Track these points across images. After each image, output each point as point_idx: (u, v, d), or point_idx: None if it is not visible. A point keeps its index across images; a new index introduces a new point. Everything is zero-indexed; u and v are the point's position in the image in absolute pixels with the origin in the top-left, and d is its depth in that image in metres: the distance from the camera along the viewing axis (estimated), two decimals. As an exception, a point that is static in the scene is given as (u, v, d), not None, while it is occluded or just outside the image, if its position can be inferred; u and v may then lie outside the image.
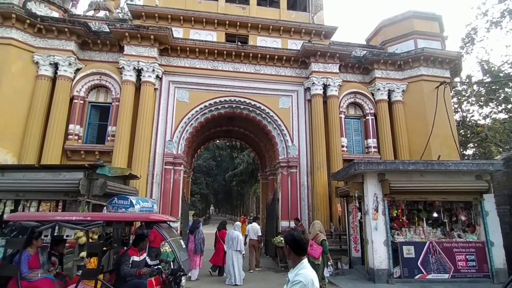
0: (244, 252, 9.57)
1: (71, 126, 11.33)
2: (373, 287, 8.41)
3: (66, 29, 11.47)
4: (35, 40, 11.47)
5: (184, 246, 6.16)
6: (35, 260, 5.29)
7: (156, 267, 5.73)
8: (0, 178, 7.84)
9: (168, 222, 6.04)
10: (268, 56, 12.95)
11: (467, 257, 8.86)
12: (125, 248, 5.95)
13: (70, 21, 11.63)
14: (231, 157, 39.09)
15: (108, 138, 11.51)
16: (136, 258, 5.56)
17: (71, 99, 11.60)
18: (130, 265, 5.36)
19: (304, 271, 2.52)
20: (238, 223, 10.56)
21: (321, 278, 6.89)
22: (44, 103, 11.14)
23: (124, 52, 11.85)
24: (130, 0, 23.46)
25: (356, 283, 8.81)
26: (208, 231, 24.60)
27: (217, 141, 21.29)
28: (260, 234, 11.34)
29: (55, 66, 11.50)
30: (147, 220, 5.52)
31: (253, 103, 12.85)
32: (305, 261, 2.64)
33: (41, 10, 11.89)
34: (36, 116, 10.91)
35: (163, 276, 5.41)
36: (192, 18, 13.06)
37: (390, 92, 13.60)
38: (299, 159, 12.75)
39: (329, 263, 7.43)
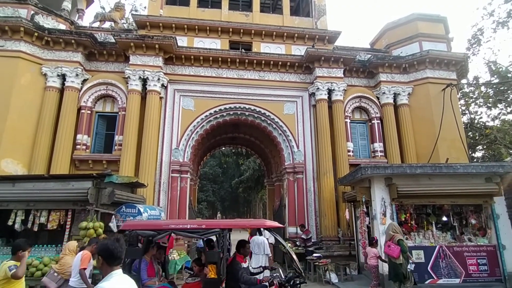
0: (271, 255, 9.66)
1: (79, 136, 11.48)
2: (382, 292, 8.28)
3: (73, 41, 11.69)
4: (43, 52, 11.70)
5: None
6: (151, 268, 5.42)
7: (271, 274, 5.60)
8: (11, 189, 8.02)
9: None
10: (272, 62, 12.99)
11: (478, 261, 8.71)
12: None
13: (77, 32, 11.87)
14: (237, 164, 39.15)
15: (115, 147, 11.64)
16: (244, 265, 5.50)
17: (79, 109, 11.78)
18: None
19: (105, 283, 2.27)
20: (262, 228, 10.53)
21: (405, 277, 6.89)
22: (52, 114, 11.33)
23: (130, 62, 12.01)
24: (134, 11, 23.92)
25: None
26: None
27: (223, 148, 21.33)
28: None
29: (63, 77, 11.70)
30: (263, 226, 5.41)
31: (258, 109, 12.87)
32: (117, 272, 2.40)
33: (48, 22, 12.13)
34: (44, 127, 11.09)
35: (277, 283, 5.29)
36: (196, 27, 13.21)
37: (395, 96, 13.51)
38: (305, 164, 12.71)
39: (410, 261, 7.40)
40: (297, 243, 11.42)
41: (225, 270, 5.18)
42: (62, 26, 12.40)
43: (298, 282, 5.03)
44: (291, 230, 12.15)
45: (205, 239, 6.28)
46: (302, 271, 5.17)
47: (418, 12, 14.49)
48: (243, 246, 5.59)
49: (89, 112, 11.91)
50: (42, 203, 7.74)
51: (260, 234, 9.47)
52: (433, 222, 9.31)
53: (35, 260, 7.19)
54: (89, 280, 5.22)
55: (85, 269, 5.11)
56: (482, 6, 31.17)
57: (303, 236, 11.26)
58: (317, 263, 9.99)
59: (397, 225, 7.72)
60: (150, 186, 10.91)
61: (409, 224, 9.28)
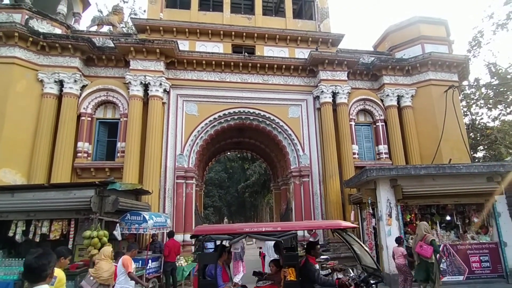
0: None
1: (79, 144, 11.16)
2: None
3: (70, 46, 11.36)
4: (38, 58, 11.37)
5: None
6: (225, 273, 5.43)
7: (347, 275, 5.49)
8: (10, 199, 7.78)
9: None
10: (275, 66, 12.89)
11: (481, 258, 9.05)
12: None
13: (74, 37, 11.53)
14: (243, 169, 39.01)
15: (118, 154, 11.35)
16: (317, 267, 5.40)
17: (78, 116, 11.46)
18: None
19: None
20: None
21: (436, 276, 6.99)
22: (51, 121, 10.99)
23: (130, 67, 11.76)
24: (134, 14, 23.67)
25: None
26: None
27: (228, 153, 21.13)
28: None
29: (60, 83, 11.36)
30: (339, 227, 5.28)
31: (262, 113, 12.73)
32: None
33: (44, 27, 11.78)
34: (43, 135, 10.75)
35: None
36: (198, 30, 13.03)
37: (399, 98, 13.51)
38: (311, 168, 12.59)
39: (443, 260, 7.72)
40: (305, 245, 11.25)
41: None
42: (58, 31, 12.08)
43: (373, 282, 4.91)
44: (298, 233, 11.92)
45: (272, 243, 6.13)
46: (379, 267, 5.06)
47: (420, 15, 14.59)
48: (313, 247, 5.53)
49: (89, 119, 11.59)
50: (43, 213, 7.54)
51: None
52: (438, 222, 9.57)
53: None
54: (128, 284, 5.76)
55: (131, 272, 5.73)
56: (483, 9, 31.63)
57: (311, 239, 11.09)
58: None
59: (427, 225, 7.89)
60: (155, 193, 10.64)
61: (414, 224, 9.47)
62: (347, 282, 4.89)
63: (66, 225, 7.67)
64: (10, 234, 7.47)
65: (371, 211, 9.91)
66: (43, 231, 7.47)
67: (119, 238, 7.77)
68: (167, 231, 9.81)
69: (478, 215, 9.54)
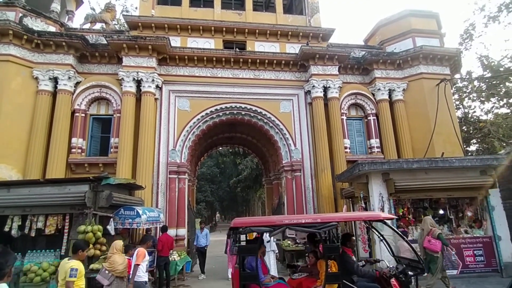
0: (277, 251, 10.41)
1: (73, 140, 11.32)
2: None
3: (64, 43, 11.49)
4: (33, 56, 11.49)
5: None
6: (263, 266, 5.50)
7: (388, 266, 5.40)
8: (6, 195, 7.89)
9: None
10: (266, 61, 12.94)
11: (475, 252, 8.98)
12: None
13: (67, 35, 11.64)
14: (235, 164, 39.10)
15: (111, 150, 11.49)
16: (354, 258, 5.41)
17: (73, 112, 11.59)
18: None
19: None
20: None
21: (442, 269, 7.08)
22: (45, 118, 11.13)
23: (123, 64, 11.85)
24: (126, 11, 23.69)
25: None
26: (217, 238, 24.59)
27: (220, 148, 21.28)
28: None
29: (55, 80, 11.49)
30: (378, 218, 5.23)
31: (254, 108, 12.82)
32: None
33: (38, 25, 11.88)
34: (38, 131, 10.90)
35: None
36: (189, 27, 13.09)
37: (390, 92, 13.54)
38: (303, 162, 12.70)
39: (453, 252, 7.64)
40: (297, 240, 11.45)
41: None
42: (52, 28, 12.19)
43: (411, 273, 4.84)
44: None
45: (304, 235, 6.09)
46: (421, 259, 5.03)
47: (411, 8, 14.64)
48: (349, 239, 5.55)
49: (83, 115, 11.73)
50: (38, 208, 7.63)
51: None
52: (430, 216, 9.35)
53: (33, 265, 7.09)
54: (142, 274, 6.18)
55: (138, 265, 6.04)
56: (474, 1, 31.34)
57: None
58: None
59: (432, 219, 7.89)
60: (148, 188, 10.79)
61: (407, 218, 9.48)
62: (388, 274, 4.87)
63: (61, 220, 7.75)
64: (6, 229, 7.54)
65: (363, 205, 9.90)
66: (38, 226, 7.55)
67: (113, 233, 7.90)
68: (160, 225, 9.99)
69: (471, 209, 9.52)
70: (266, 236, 9.86)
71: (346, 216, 5.96)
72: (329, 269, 4.75)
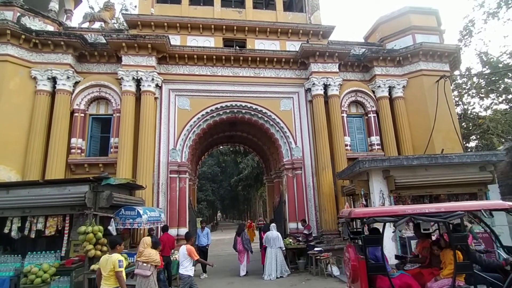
0: (284, 249, 10.59)
1: (73, 140, 11.22)
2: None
3: (62, 43, 11.38)
4: (31, 55, 11.37)
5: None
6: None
7: None
8: (5, 196, 7.84)
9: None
10: (267, 59, 12.89)
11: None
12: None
13: (66, 34, 11.53)
14: (236, 162, 39.12)
15: (111, 150, 11.41)
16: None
17: (72, 112, 11.49)
18: None
19: None
20: (273, 224, 11.14)
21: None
22: (44, 118, 11.03)
23: (122, 63, 11.76)
24: (125, 10, 23.55)
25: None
26: (219, 237, 24.51)
27: (221, 147, 21.19)
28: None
29: (53, 80, 11.38)
30: (503, 208, 5.07)
31: (254, 106, 12.77)
32: None
33: (36, 24, 11.75)
34: (37, 132, 10.80)
35: None
36: (189, 25, 13.01)
37: (390, 89, 13.53)
38: (304, 160, 12.68)
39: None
40: (299, 238, 11.44)
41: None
42: (50, 28, 12.07)
43: None
44: (291, 225, 12.19)
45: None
46: None
47: (410, 5, 14.52)
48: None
49: (82, 115, 11.63)
50: (38, 209, 7.60)
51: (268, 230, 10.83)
52: None
53: (34, 267, 7.02)
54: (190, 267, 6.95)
55: (198, 259, 7.16)
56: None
57: (305, 232, 11.29)
58: (318, 257, 10.26)
59: None
60: (148, 187, 10.74)
61: None
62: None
63: (61, 221, 7.73)
64: (6, 230, 7.50)
65: (364, 202, 9.86)
66: (38, 227, 7.52)
67: (114, 233, 7.85)
68: (161, 225, 9.95)
69: (471, 204, 9.60)
70: (273, 235, 10.44)
71: (469, 205, 5.89)
72: (458, 259, 4.67)
